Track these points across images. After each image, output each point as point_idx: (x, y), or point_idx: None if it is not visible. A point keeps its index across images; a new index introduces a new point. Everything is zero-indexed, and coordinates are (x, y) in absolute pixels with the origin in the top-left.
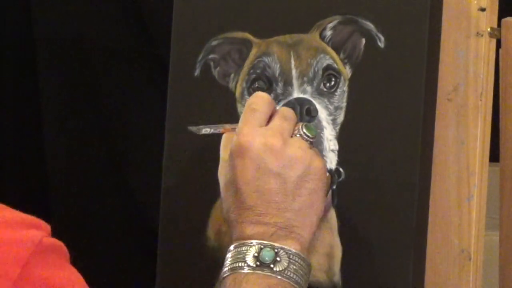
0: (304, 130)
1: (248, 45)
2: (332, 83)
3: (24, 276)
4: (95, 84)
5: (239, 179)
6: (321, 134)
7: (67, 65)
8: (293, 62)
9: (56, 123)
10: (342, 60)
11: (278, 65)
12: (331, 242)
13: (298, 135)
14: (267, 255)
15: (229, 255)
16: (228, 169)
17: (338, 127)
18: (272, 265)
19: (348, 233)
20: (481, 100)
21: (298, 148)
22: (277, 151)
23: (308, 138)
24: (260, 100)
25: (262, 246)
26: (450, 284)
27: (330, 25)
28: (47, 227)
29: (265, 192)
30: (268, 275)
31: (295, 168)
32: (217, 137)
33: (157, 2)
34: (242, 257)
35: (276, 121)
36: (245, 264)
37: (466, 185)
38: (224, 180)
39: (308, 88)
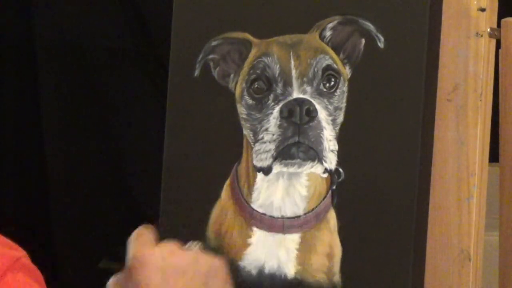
0: None
1: (248, 45)
2: (332, 83)
3: None
4: (95, 84)
5: None
6: (321, 135)
7: (67, 65)
8: (292, 63)
9: (56, 122)
10: (342, 61)
11: (278, 66)
12: (331, 242)
13: None
14: None
15: None
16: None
17: (337, 128)
18: None
19: (348, 233)
20: (481, 100)
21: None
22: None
23: None
24: None
25: None
26: (450, 284)
27: (330, 25)
28: (26, 254)
29: None
30: None
31: None
32: (217, 137)
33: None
34: None
35: None
36: None
37: (466, 185)
38: None
39: (308, 89)
